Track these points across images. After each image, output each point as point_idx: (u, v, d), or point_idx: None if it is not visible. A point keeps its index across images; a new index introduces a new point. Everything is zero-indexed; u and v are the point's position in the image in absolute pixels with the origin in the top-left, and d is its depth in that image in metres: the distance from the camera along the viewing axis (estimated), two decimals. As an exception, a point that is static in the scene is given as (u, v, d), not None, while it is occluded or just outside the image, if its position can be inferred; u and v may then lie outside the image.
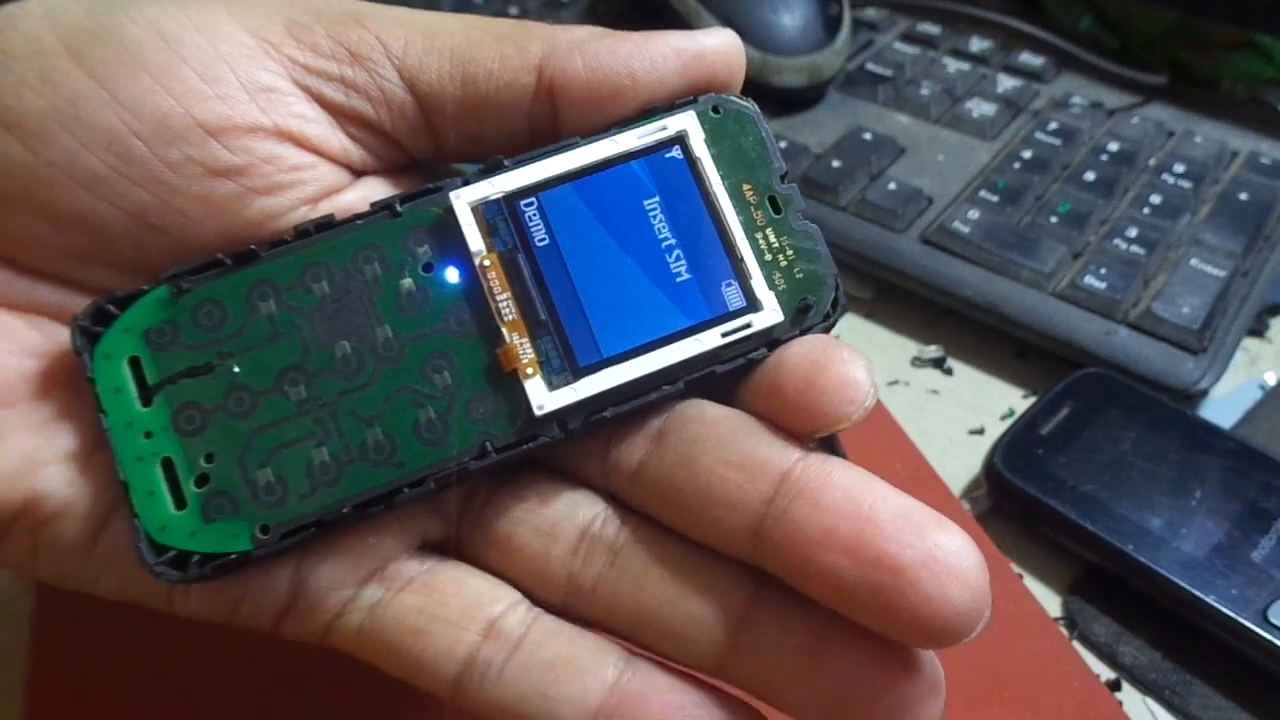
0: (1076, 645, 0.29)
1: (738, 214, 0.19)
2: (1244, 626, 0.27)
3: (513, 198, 0.19)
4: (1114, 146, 0.42)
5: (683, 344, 0.19)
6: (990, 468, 0.32)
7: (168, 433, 0.18)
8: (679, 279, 0.19)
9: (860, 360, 0.18)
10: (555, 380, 0.18)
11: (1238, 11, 0.45)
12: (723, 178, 0.20)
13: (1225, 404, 0.36)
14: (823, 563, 0.16)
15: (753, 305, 0.19)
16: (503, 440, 0.18)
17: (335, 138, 0.20)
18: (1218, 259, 0.37)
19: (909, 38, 0.50)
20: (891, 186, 0.40)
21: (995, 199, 0.40)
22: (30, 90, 0.19)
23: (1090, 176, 0.41)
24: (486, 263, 0.19)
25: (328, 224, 0.19)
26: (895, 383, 0.37)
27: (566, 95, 0.20)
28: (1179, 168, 0.41)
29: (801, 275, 0.19)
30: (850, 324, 0.40)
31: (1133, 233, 0.38)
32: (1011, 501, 0.32)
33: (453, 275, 0.19)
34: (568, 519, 0.20)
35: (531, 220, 0.19)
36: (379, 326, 0.19)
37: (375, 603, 0.19)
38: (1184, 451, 0.32)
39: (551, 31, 0.20)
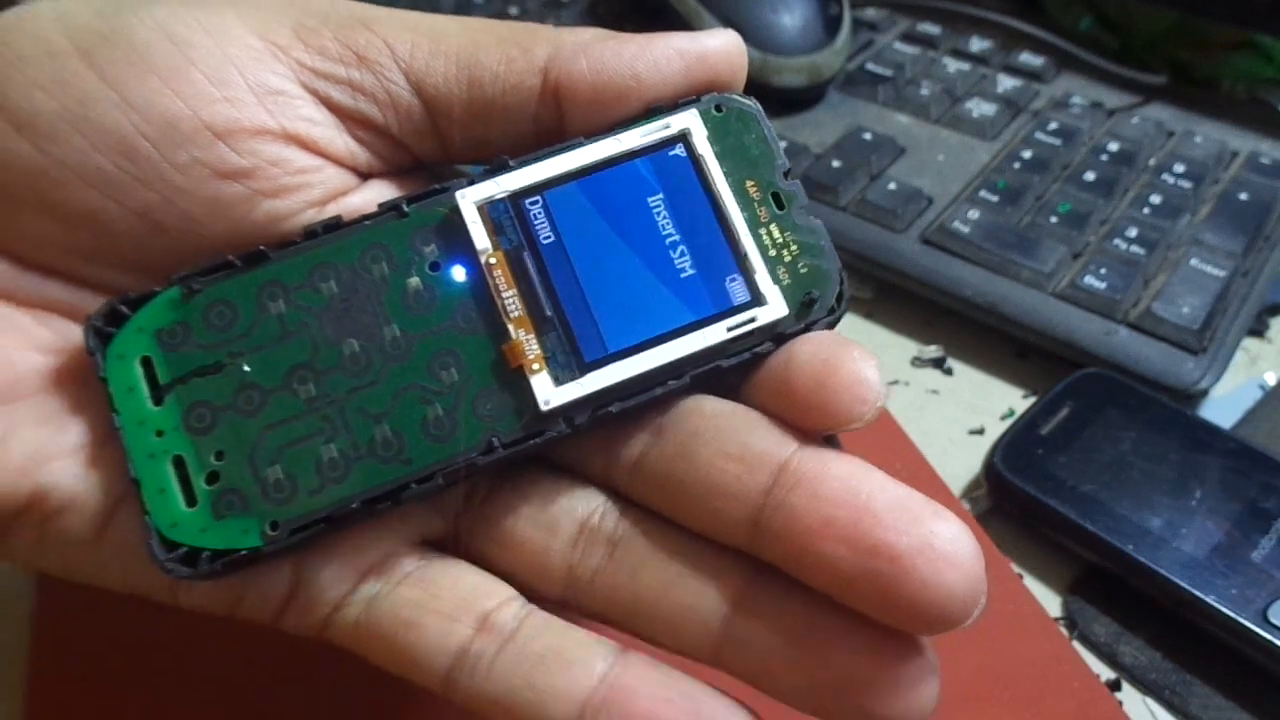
0: (1076, 645, 0.29)
1: (741, 210, 0.20)
2: (1244, 626, 0.27)
3: (518, 196, 0.19)
4: (1114, 146, 0.42)
5: (688, 339, 0.19)
6: (990, 468, 0.32)
7: (179, 431, 0.19)
8: (683, 275, 0.19)
9: (871, 360, 0.18)
10: (561, 375, 0.19)
11: (1238, 11, 0.45)
12: (726, 174, 0.20)
13: (1225, 404, 0.36)
14: (821, 551, 0.17)
15: (757, 300, 0.19)
16: (509, 436, 0.19)
17: (342, 141, 0.20)
18: (1218, 259, 0.37)
19: (909, 38, 0.50)
20: (891, 186, 0.40)
21: (995, 199, 0.40)
22: (41, 91, 0.19)
23: (1090, 176, 0.41)
24: (492, 260, 0.19)
25: (335, 225, 0.20)
26: (895, 383, 0.37)
27: (572, 97, 0.20)
28: (1179, 168, 0.41)
29: (806, 270, 0.19)
30: (850, 324, 0.40)
31: (1133, 233, 0.38)
32: (1011, 501, 0.32)
33: (459, 274, 0.19)
34: (567, 513, 0.20)
35: (536, 218, 0.19)
36: (387, 325, 0.19)
37: (372, 597, 0.19)
38: (1184, 451, 0.32)
39: (555, 34, 0.20)
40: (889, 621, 0.17)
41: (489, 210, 0.19)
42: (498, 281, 0.19)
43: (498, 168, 0.20)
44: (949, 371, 0.38)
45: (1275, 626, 0.27)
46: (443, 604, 0.19)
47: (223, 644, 0.29)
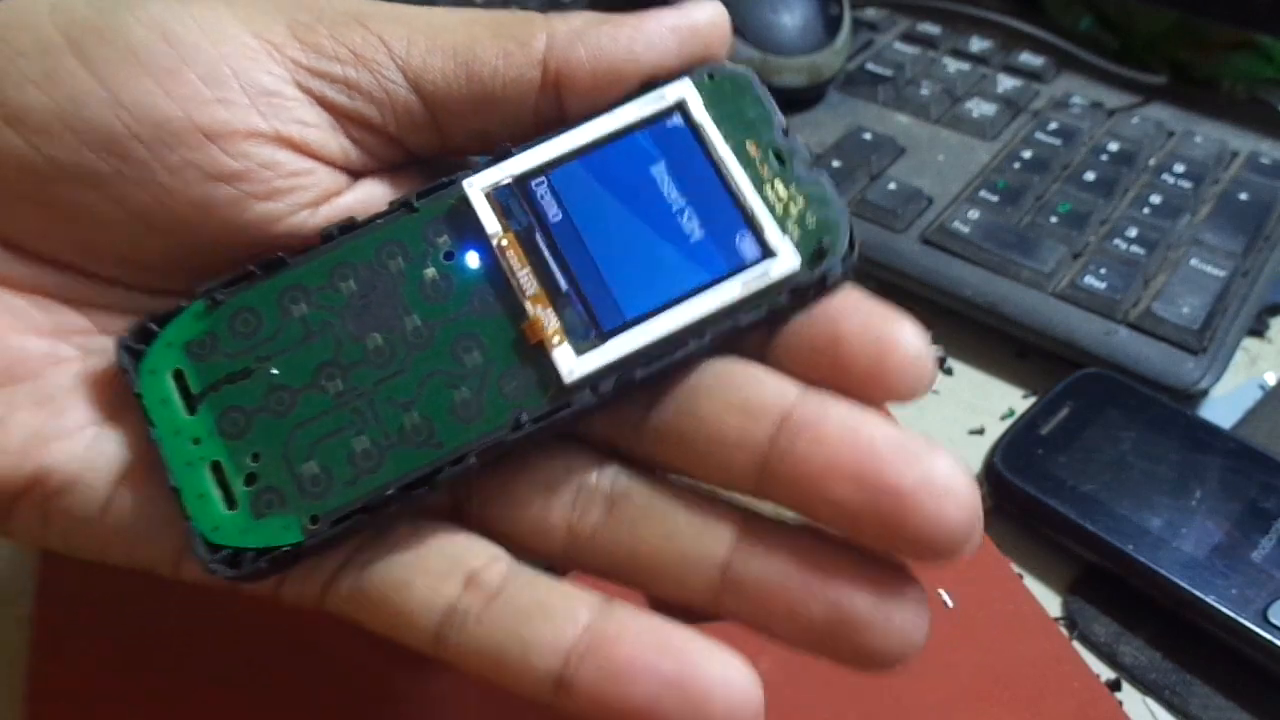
0: (1076, 645, 0.29)
1: (744, 170, 0.20)
2: (1244, 626, 0.27)
3: (523, 179, 0.20)
4: (1114, 146, 0.42)
5: (703, 298, 0.19)
6: (990, 468, 0.32)
7: (214, 437, 0.19)
8: (693, 238, 0.19)
9: (923, 334, 0.18)
10: (582, 346, 0.19)
11: (1238, 11, 0.45)
12: (725, 138, 0.20)
13: (1225, 404, 0.36)
14: (829, 493, 0.17)
15: (768, 253, 0.19)
16: (537, 411, 0.19)
17: (335, 142, 0.20)
18: (1218, 259, 0.37)
19: (909, 38, 0.50)
20: (891, 186, 0.40)
21: (995, 199, 0.40)
22: (35, 86, 0.19)
23: (1090, 176, 0.41)
24: (504, 242, 0.19)
25: (350, 226, 0.20)
26: (895, 383, 0.37)
27: (572, 86, 0.20)
28: (1179, 168, 0.41)
29: (814, 221, 0.19)
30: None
31: (1133, 233, 0.38)
32: (1011, 501, 0.32)
33: (473, 259, 0.20)
34: (565, 473, 0.20)
35: (543, 198, 0.20)
36: (407, 316, 0.19)
37: (365, 563, 0.19)
38: (1184, 451, 0.32)
39: (548, 22, 0.20)
40: (895, 553, 0.17)
41: (496, 195, 0.20)
42: (511, 262, 0.19)
43: (501, 155, 0.20)
44: (949, 371, 0.38)
45: (1275, 626, 0.27)
46: (431, 565, 0.19)
47: (224, 645, 0.29)
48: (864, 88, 0.46)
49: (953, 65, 0.47)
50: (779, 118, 0.20)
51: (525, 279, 0.19)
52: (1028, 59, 0.48)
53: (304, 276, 0.20)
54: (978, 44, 0.49)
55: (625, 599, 0.19)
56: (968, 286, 0.37)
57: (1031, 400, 0.36)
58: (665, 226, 0.19)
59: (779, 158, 0.20)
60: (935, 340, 0.39)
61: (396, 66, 0.20)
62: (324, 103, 0.20)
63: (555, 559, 0.20)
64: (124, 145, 0.19)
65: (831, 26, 0.45)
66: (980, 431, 0.35)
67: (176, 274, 0.21)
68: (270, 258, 0.20)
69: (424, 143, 0.21)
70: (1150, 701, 0.28)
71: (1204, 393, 0.34)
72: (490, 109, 0.20)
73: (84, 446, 0.20)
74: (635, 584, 0.19)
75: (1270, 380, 0.37)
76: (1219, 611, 0.28)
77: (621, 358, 0.19)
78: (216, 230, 0.20)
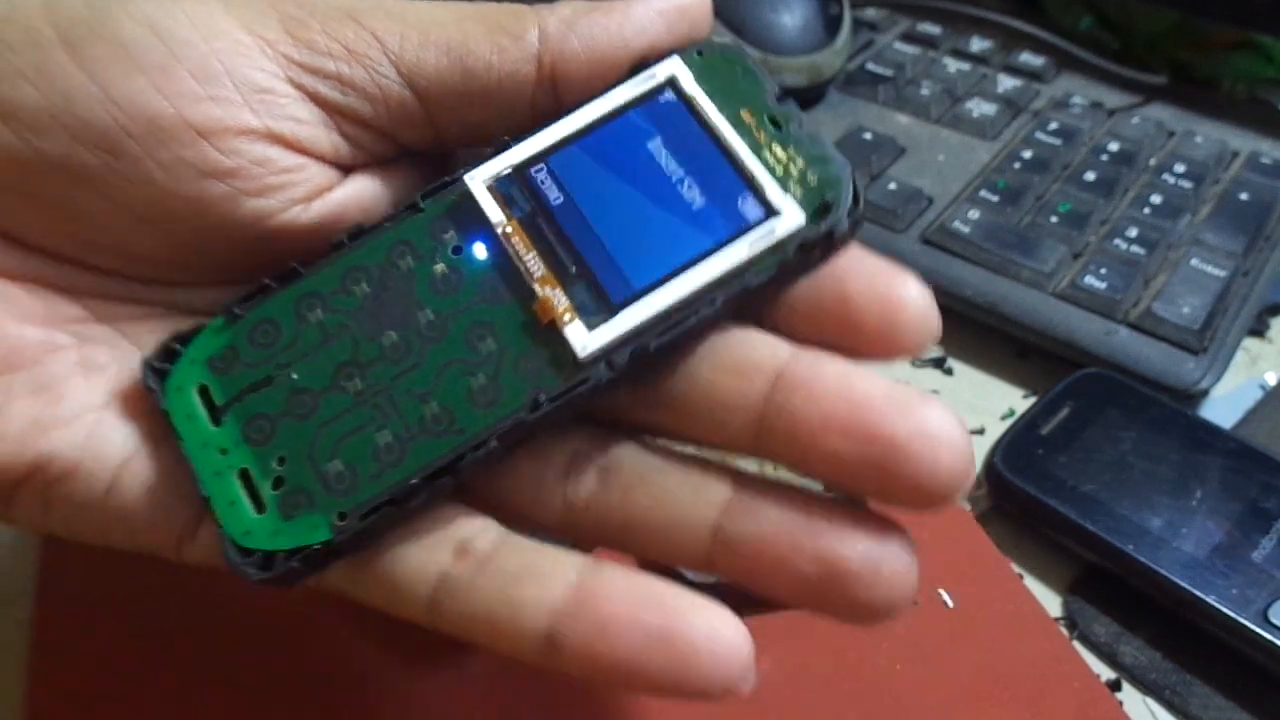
0: (1076, 645, 0.29)
1: (741, 137, 0.20)
2: (1244, 626, 0.27)
3: (522, 168, 0.20)
4: (1114, 146, 0.42)
5: (711, 262, 0.19)
6: (990, 468, 0.32)
7: (240, 445, 0.19)
8: (695, 206, 0.19)
9: (927, 290, 0.19)
10: (593, 321, 0.19)
11: (1238, 11, 0.45)
12: (719, 108, 0.20)
13: (1225, 404, 0.36)
14: (825, 446, 0.17)
15: (771, 212, 0.19)
16: (554, 390, 0.19)
17: (327, 138, 0.20)
18: (1218, 259, 0.37)
19: (909, 38, 0.50)
20: (892, 186, 0.40)
21: (995, 199, 0.40)
22: (26, 82, 0.19)
23: (1090, 176, 0.41)
24: (509, 229, 0.20)
25: (359, 232, 0.20)
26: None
27: (567, 77, 0.20)
28: (1179, 168, 0.41)
29: (816, 179, 0.20)
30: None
31: (1133, 233, 0.38)
32: (1011, 501, 0.32)
33: (480, 250, 0.20)
34: (561, 444, 0.20)
35: (544, 184, 0.20)
36: (420, 311, 0.20)
37: None
38: (1184, 452, 0.32)
39: (538, 15, 0.20)
40: (892, 502, 0.18)
41: (497, 186, 0.20)
42: (517, 248, 0.19)
43: (500, 148, 0.20)
44: (949, 371, 0.38)
45: (1275, 626, 0.27)
46: (424, 537, 0.19)
47: (224, 646, 0.29)
48: (864, 88, 0.46)
49: (953, 65, 0.47)
50: (771, 84, 0.20)
51: (532, 262, 0.19)
52: (1028, 59, 0.48)
53: (318, 284, 0.20)
54: (978, 44, 0.49)
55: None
56: (968, 286, 0.37)
57: (1031, 400, 0.36)
58: (667, 198, 0.20)
59: (775, 123, 0.20)
60: (935, 340, 0.39)
61: (390, 62, 0.20)
62: (316, 99, 0.20)
63: (553, 530, 0.20)
64: (116, 141, 0.19)
65: (831, 26, 0.45)
66: (980, 431, 0.35)
67: (171, 266, 0.21)
68: (285, 269, 0.20)
69: (418, 137, 0.21)
70: (1150, 701, 0.28)
71: (1204, 393, 0.34)
72: (486, 103, 0.20)
73: (84, 434, 0.20)
74: (631, 550, 0.20)
75: (1271, 380, 0.37)
76: (1219, 611, 0.28)
77: (634, 328, 0.19)
78: (210, 225, 0.20)
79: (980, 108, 0.44)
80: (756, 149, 0.20)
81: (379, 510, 0.18)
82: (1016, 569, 0.31)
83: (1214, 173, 0.41)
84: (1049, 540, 0.31)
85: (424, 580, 0.19)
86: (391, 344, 0.19)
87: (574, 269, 0.19)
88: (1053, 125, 0.43)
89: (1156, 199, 0.40)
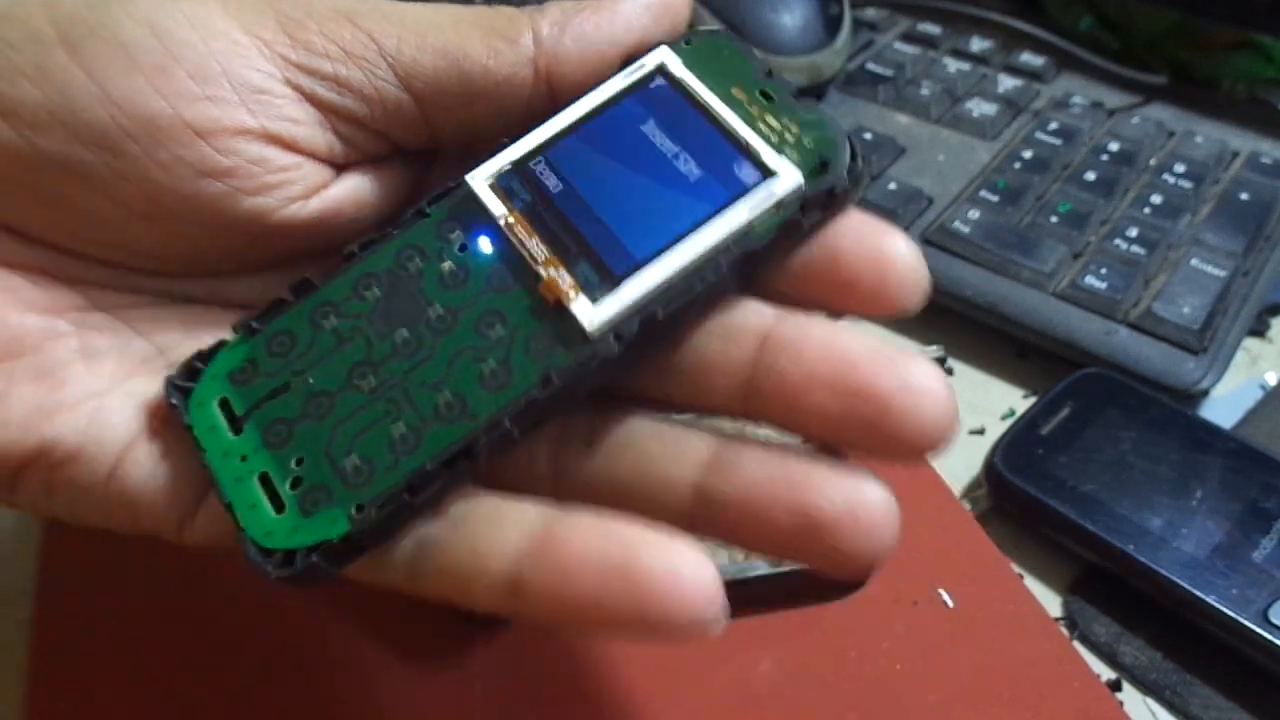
0: (1076, 645, 0.29)
1: (733, 111, 0.20)
2: (1244, 626, 0.27)
3: (521, 163, 0.21)
4: (1114, 146, 0.42)
5: (711, 227, 0.19)
6: (990, 468, 0.32)
7: (260, 450, 0.19)
8: (693, 179, 0.20)
9: (916, 248, 0.19)
10: (598, 295, 0.19)
11: (1238, 11, 0.45)
12: (710, 88, 0.21)
13: (1226, 404, 0.36)
14: (811, 404, 0.18)
15: (768, 174, 0.19)
16: (565, 366, 0.19)
17: (322, 138, 0.21)
18: (1218, 259, 0.37)
19: (909, 38, 0.50)
20: (892, 186, 0.40)
21: (995, 199, 0.40)
22: (26, 79, 0.19)
23: (1090, 176, 0.41)
24: (511, 220, 0.20)
25: (370, 242, 0.21)
26: (895, 383, 0.37)
27: (562, 77, 0.21)
28: (1179, 168, 0.41)
29: (811, 142, 0.20)
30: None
31: (1133, 233, 0.38)
32: (1011, 501, 0.32)
33: (485, 244, 0.20)
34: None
35: (543, 175, 0.20)
36: (430, 307, 0.20)
37: None
38: (1184, 452, 0.32)
39: (531, 18, 0.21)
40: (878, 454, 0.18)
41: (499, 183, 0.20)
42: (520, 236, 0.20)
43: (498, 148, 0.21)
44: (949, 371, 0.38)
45: (1276, 626, 0.27)
46: None
47: (224, 646, 0.29)
48: (864, 88, 0.46)
49: (953, 65, 0.47)
50: (761, 62, 0.21)
51: (535, 248, 0.20)
52: (1028, 59, 0.48)
53: (331, 293, 0.20)
54: (978, 44, 0.49)
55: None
56: (968, 286, 0.37)
57: (1032, 400, 0.36)
58: (664, 174, 0.20)
59: (766, 96, 0.20)
60: (935, 340, 0.39)
61: (387, 64, 0.20)
62: (313, 99, 0.20)
63: (542, 495, 0.20)
64: (115, 140, 0.19)
65: (831, 26, 0.45)
66: (980, 431, 0.35)
67: (171, 259, 0.21)
68: (299, 281, 0.21)
69: (412, 137, 0.21)
70: (1150, 702, 0.28)
71: (1204, 393, 0.34)
72: (482, 104, 0.21)
73: (86, 419, 0.20)
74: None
75: (1271, 380, 0.37)
76: (1219, 611, 0.28)
77: (639, 299, 0.19)
78: (209, 222, 0.20)
79: (980, 108, 0.44)
80: (750, 121, 0.20)
81: (396, 500, 0.18)
82: (1016, 569, 0.31)
83: (1214, 173, 0.41)
84: (1049, 540, 0.31)
85: (405, 549, 0.19)
86: (403, 340, 0.20)
87: (576, 249, 0.19)
88: (1053, 125, 0.43)
89: (1156, 199, 0.40)
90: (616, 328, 0.19)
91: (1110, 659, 0.29)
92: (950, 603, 0.29)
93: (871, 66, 0.47)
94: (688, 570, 0.17)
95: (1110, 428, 0.33)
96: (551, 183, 0.20)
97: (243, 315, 0.21)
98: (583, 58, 0.21)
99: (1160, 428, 0.33)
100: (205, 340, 0.21)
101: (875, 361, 0.18)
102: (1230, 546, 0.29)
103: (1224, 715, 0.27)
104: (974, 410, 0.36)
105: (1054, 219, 0.39)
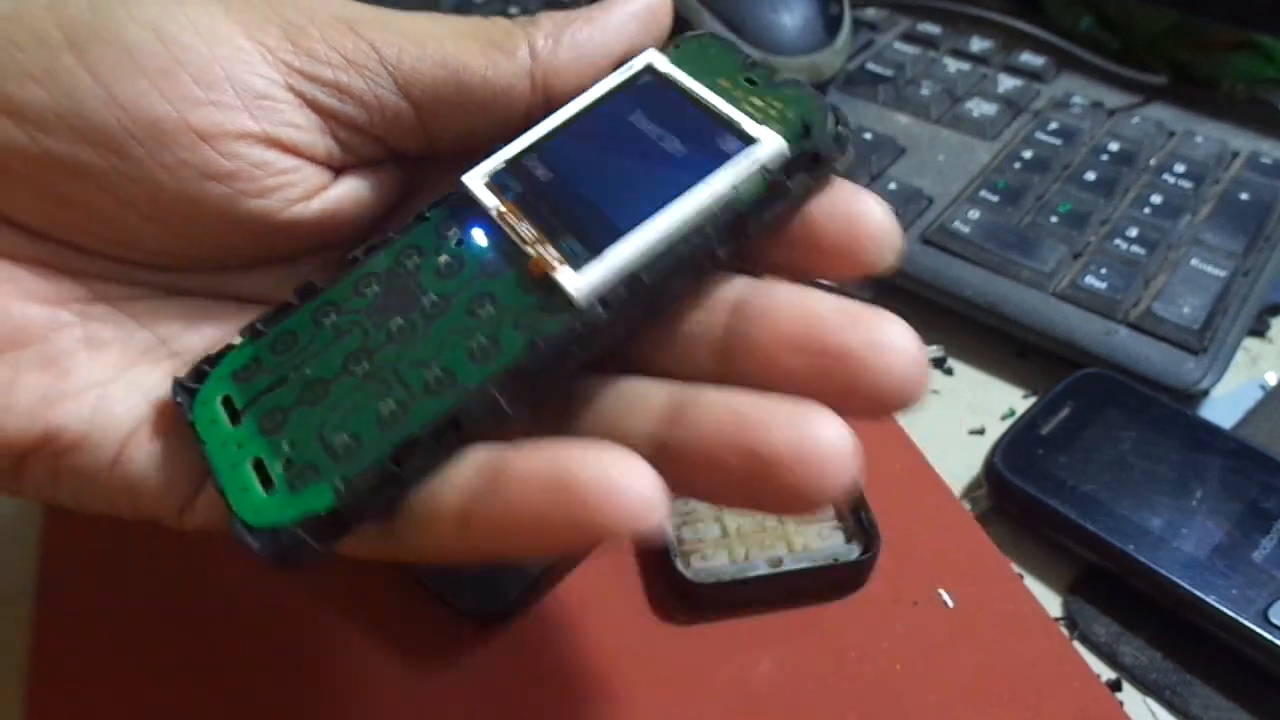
0: (1076, 645, 0.29)
1: (718, 95, 0.21)
2: (1244, 626, 0.27)
3: (514, 160, 0.21)
4: (1114, 146, 0.42)
5: (694, 194, 0.19)
6: (990, 468, 0.32)
7: (256, 438, 0.20)
8: (678, 156, 0.20)
9: (887, 207, 0.19)
10: (582, 264, 0.19)
11: (1238, 11, 0.45)
12: (695, 79, 0.21)
13: (1226, 404, 0.36)
14: (782, 365, 0.18)
15: (750, 141, 0.20)
16: (552, 334, 0.19)
17: (322, 142, 0.21)
18: (1218, 259, 0.37)
19: (909, 38, 0.50)
20: (892, 186, 0.40)
21: (995, 199, 0.40)
22: (34, 81, 0.19)
23: (1091, 176, 0.41)
24: (502, 209, 0.20)
25: (372, 247, 0.21)
26: (895, 383, 0.37)
27: (558, 88, 0.22)
28: (1179, 168, 0.41)
29: (793, 112, 0.20)
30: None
31: (1133, 232, 0.38)
32: (1011, 501, 0.32)
33: (479, 235, 0.21)
34: None
35: (534, 168, 0.21)
36: (425, 296, 0.20)
37: None
38: (1184, 452, 0.32)
39: (526, 31, 0.22)
40: (851, 411, 0.18)
41: (492, 180, 0.21)
42: (510, 222, 0.20)
43: (492, 150, 0.21)
44: (949, 371, 0.38)
45: (1275, 626, 0.27)
46: None
47: (224, 646, 0.29)
48: (864, 88, 0.46)
49: (953, 65, 0.47)
50: (744, 54, 0.22)
51: (525, 230, 0.20)
52: (1028, 59, 0.48)
53: (333, 295, 0.21)
54: (978, 44, 0.49)
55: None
56: (968, 286, 0.37)
57: (1032, 400, 0.36)
58: (650, 155, 0.20)
59: (750, 82, 0.21)
60: (935, 340, 0.39)
61: (387, 73, 0.21)
62: (314, 105, 0.21)
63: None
64: (121, 143, 0.19)
65: (831, 26, 0.45)
66: (980, 431, 0.35)
67: (173, 255, 0.21)
68: (303, 285, 0.21)
69: (410, 143, 0.22)
70: (1150, 702, 0.28)
71: (1204, 393, 0.34)
72: (480, 114, 0.21)
73: (90, 407, 0.20)
74: None
75: (1271, 380, 0.37)
76: (1219, 611, 0.28)
77: (622, 264, 0.19)
78: (211, 222, 0.21)
79: (980, 108, 0.44)
80: (734, 101, 0.21)
81: (382, 471, 0.18)
82: (1016, 569, 0.31)
83: (1214, 173, 0.41)
84: (1049, 540, 0.31)
85: None
86: (398, 328, 0.20)
87: (564, 228, 0.20)
88: (1053, 125, 0.43)
89: (1157, 199, 0.40)
90: (602, 295, 0.19)
91: (1110, 659, 0.29)
92: (950, 603, 0.29)
93: (871, 66, 0.47)
94: (617, 474, 0.17)
95: (1110, 428, 0.33)
96: (542, 173, 0.21)
97: (242, 307, 0.21)
98: (577, 69, 0.21)
99: (1160, 428, 0.33)
100: (205, 331, 0.22)
101: (842, 319, 0.18)
102: (1230, 546, 0.29)
103: (1224, 715, 0.27)
104: (974, 410, 0.36)
105: (1054, 219, 0.39)
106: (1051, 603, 0.30)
